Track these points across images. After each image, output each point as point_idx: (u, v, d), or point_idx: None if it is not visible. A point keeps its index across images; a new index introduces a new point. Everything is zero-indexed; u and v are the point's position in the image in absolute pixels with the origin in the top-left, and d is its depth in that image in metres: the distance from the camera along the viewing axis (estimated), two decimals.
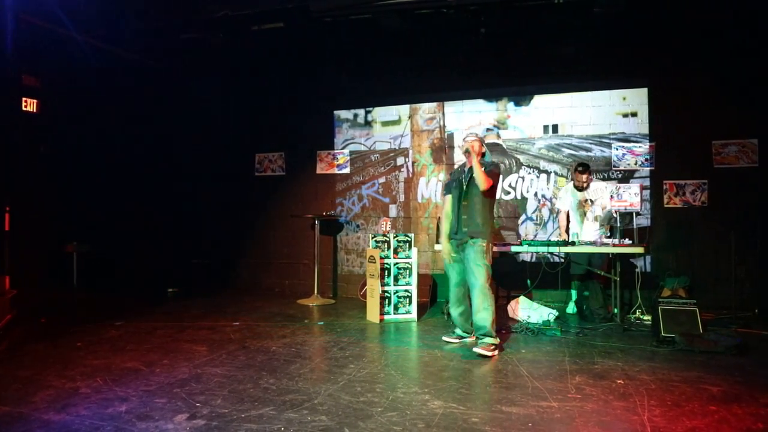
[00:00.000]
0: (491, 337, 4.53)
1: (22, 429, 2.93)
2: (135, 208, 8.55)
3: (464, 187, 4.80)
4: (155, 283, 8.09)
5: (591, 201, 6.13)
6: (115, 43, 7.36)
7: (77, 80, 7.77)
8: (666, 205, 6.66)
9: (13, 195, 6.01)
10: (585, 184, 6.14)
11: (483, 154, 4.82)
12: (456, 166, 5.25)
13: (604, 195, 6.03)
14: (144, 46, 7.54)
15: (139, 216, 8.57)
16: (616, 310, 5.79)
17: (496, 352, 4.45)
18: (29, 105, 7.05)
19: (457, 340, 4.98)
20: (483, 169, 4.64)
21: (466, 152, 4.76)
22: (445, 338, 5.06)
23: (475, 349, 4.43)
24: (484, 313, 4.54)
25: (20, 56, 6.25)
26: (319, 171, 8.16)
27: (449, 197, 4.97)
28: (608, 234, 6.01)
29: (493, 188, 4.72)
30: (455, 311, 4.98)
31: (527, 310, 5.99)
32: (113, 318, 5.92)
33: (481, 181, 4.59)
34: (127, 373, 3.94)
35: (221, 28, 6.85)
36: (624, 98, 6.84)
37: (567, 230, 6.29)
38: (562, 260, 6.10)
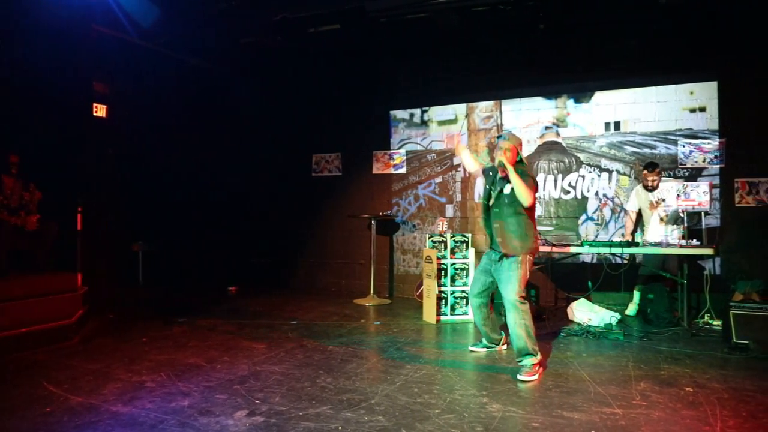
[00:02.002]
0: (531, 355, 3.95)
1: (93, 419, 3.06)
2: (196, 209, 8.83)
3: (494, 200, 4.21)
4: (215, 282, 8.31)
5: (663, 200, 5.89)
6: (179, 49, 7.63)
7: (143, 86, 8.09)
8: (737, 204, 6.30)
9: (85, 196, 6.30)
10: (654, 183, 5.90)
11: (519, 161, 4.15)
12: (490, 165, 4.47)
13: (671, 194, 5.79)
14: (205, 51, 7.78)
15: (200, 216, 8.84)
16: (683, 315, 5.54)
17: (540, 371, 3.95)
18: (99, 110, 7.38)
19: (484, 350, 4.66)
20: (522, 179, 3.97)
21: (500, 165, 4.09)
22: (471, 348, 4.72)
23: (518, 377, 3.84)
24: (519, 331, 3.98)
25: (91, 64, 6.56)
26: (375, 171, 8.18)
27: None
28: (683, 234, 5.57)
29: (534, 200, 4.08)
30: (478, 321, 4.55)
31: (588, 313, 5.80)
32: (176, 315, 6.12)
33: (525, 196, 3.95)
34: (189, 369, 4.06)
35: (279, 31, 6.97)
36: (691, 93, 6.53)
37: (633, 232, 6.11)
38: (625, 261, 5.89)
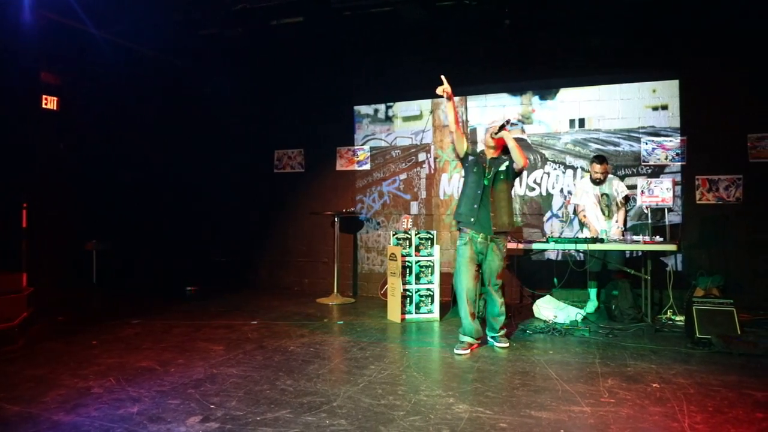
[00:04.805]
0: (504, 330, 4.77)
1: (31, 430, 2.83)
2: (154, 206, 8.52)
3: (488, 180, 4.52)
4: (173, 282, 8.03)
5: (607, 195, 5.97)
6: (135, 39, 7.33)
7: (98, 78, 7.74)
8: (698, 201, 6.38)
9: (32, 192, 5.97)
10: (601, 176, 5.94)
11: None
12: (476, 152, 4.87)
13: (619, 189, 5.99)
14: (163, 42, 7.50)
15: (158, 214, 8.53)
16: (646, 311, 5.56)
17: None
18: (49, 102, 7.02)
19: (469, 350, 4.49)
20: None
21: (498, 137, 4.50)
22: (457, 351, 4.44)
23: (499, 345, 4.63)
24: (503, 308, 4.71)
25: (39, 53, 6.22)
26: (338, 167, 8.02)
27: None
28: (622, 229, 5.89)
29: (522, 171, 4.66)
30: (472, 316, 4.55)
31: (554, 310, 5.76)
32: (130, 316, 5.86)
33: (522, 157, 4.47)
34: (141, 373, 3.84)
35: (239, 22, 6.75)
36: (654, 91, 6.58)
37: (583, 225, 6.17)
38: (592, 258, 5.90)
